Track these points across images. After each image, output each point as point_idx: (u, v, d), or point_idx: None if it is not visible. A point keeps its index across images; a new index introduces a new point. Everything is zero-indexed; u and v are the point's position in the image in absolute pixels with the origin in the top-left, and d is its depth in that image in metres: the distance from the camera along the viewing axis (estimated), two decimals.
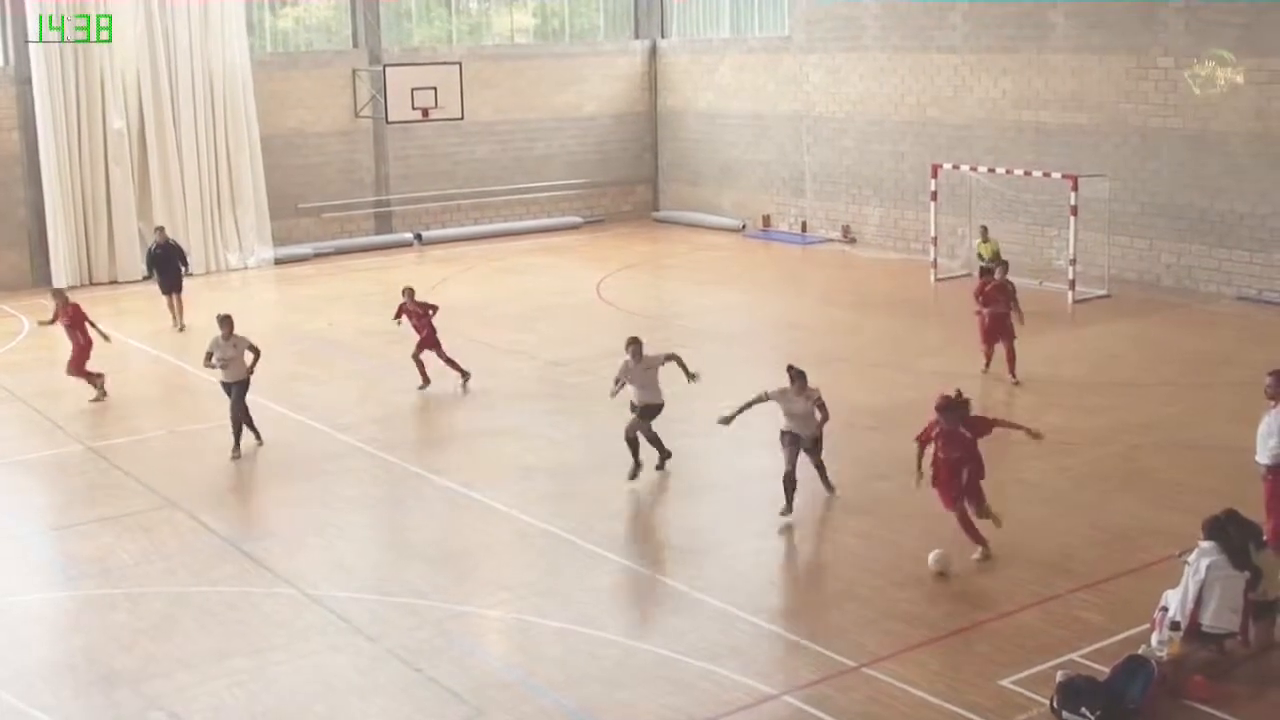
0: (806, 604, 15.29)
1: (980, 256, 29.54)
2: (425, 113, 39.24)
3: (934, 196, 33.46)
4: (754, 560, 16.39)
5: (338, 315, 31.21)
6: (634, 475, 19.02)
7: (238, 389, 21.27)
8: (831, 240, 38.45)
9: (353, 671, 13.68)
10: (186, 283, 31.24)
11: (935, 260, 33.31)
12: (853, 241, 38.01)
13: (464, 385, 24.50)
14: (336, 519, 18.32)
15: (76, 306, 24.91)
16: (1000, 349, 23.74)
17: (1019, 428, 16.22)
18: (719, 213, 42.17)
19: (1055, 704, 12.27)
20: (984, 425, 15.84)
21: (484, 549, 17.41)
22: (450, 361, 24.57)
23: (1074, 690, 12.25)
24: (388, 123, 39.41)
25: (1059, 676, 12.57)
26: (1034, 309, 25.79)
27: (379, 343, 28.10)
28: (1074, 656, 13.44)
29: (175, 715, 13.06)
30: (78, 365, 24.60)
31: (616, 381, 19.38)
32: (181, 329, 29.86)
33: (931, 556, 15.58)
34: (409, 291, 24.97)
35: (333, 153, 39.90)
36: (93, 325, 24.87)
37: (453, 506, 18.76)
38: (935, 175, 33.43)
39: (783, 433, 17.49)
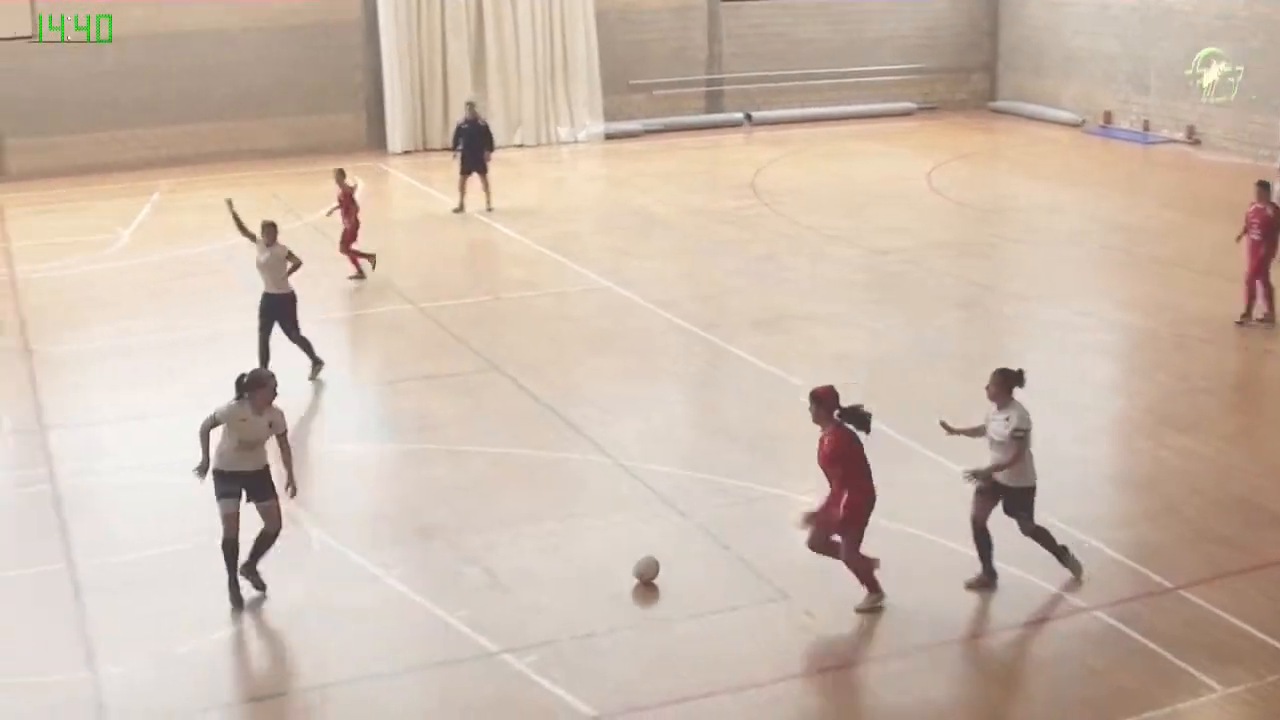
0: (1123, 518, 14.78)
1: None
2: None
3: None
4: (1074, 469, 15.84)
5: (666, 192, 31.33)
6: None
7: (279, 302, 18.99)
8: (1175, 141, 36.91)
9: (661, 543, 13.82)
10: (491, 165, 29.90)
11: None
12: (1196, 143, 36.41)
13: (362, 277, 23.84)
14: (653, 393, 18.51)
15: (349, 190, 24.05)
16: None
17: None
18: (1058, 106, 40.79)
19: None
20: None
21: (796, 433, 17.31)
22: (355, 255, 23.96)
23: None
24: (722, 0, 39.16)
25: None
26: None
27: (705, 220, 28.18)
28: None
29: (488, 570, 13.44)
30: (346, 244, 24.00)
31: None
32: (490, 209, 29.19)
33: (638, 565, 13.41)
34: (340, 174, 24.35)
35: (666, 29, 39.83)
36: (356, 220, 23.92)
37: (767, 389, 18.74)
38: None
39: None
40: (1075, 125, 39.47)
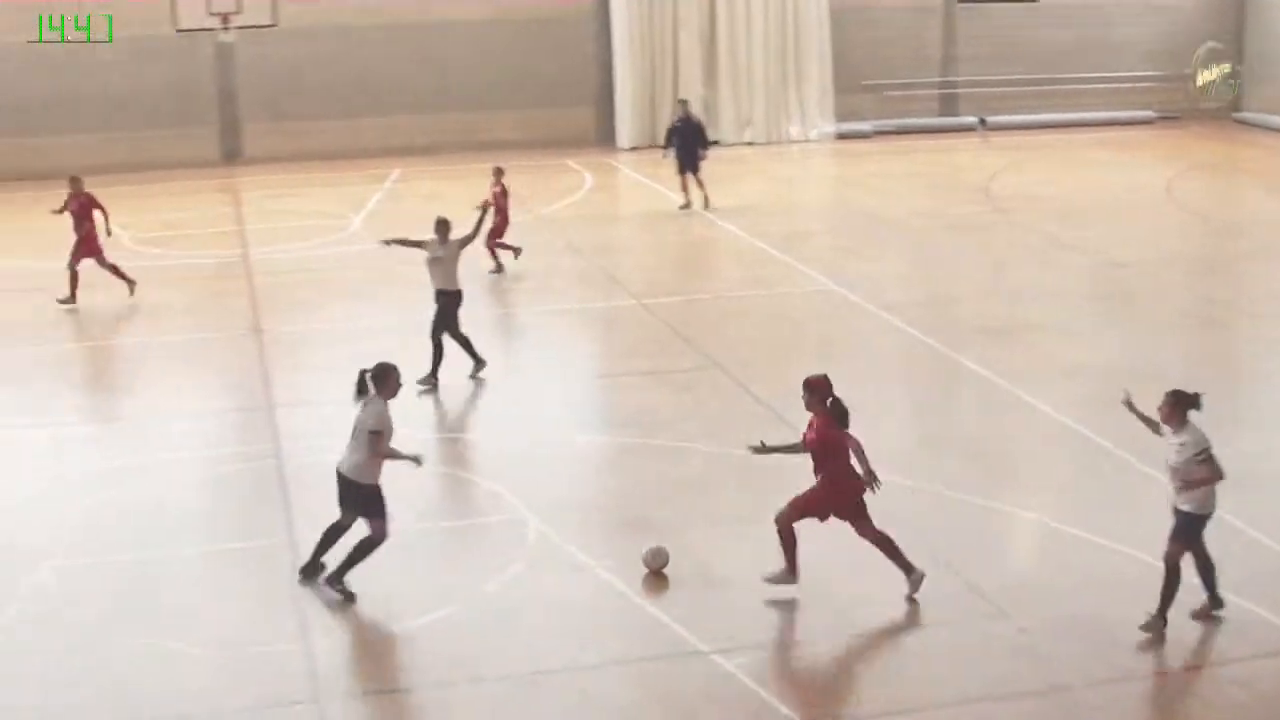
0: None
1: None
2: None
3: None
4: None
5: (895, 194, 30.92)
6: None
7: (447, 299, 18.88)
8: None
9: (874, 550, 13.62)
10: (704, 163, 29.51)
11: None
12: None
13: (130, 291, 22.91)
14: (875, 399, 18.22)
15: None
16: None
17: None
18: None
19: None
20: None
21: (1018, 446, 17.01)
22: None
23: None
24: (959, 1, 38.55)
25: None
26: None
27: (934, 225, 27.78)
28: None
29: (703, 568, 13.38)
30: (492, 239, 23.70)
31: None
32: (707, 205, 29.04)
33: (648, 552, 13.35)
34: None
35: (902, 29, 39.34)
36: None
37: (993, 400, 18.35)
38: None
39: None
40: None
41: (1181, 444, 11.96)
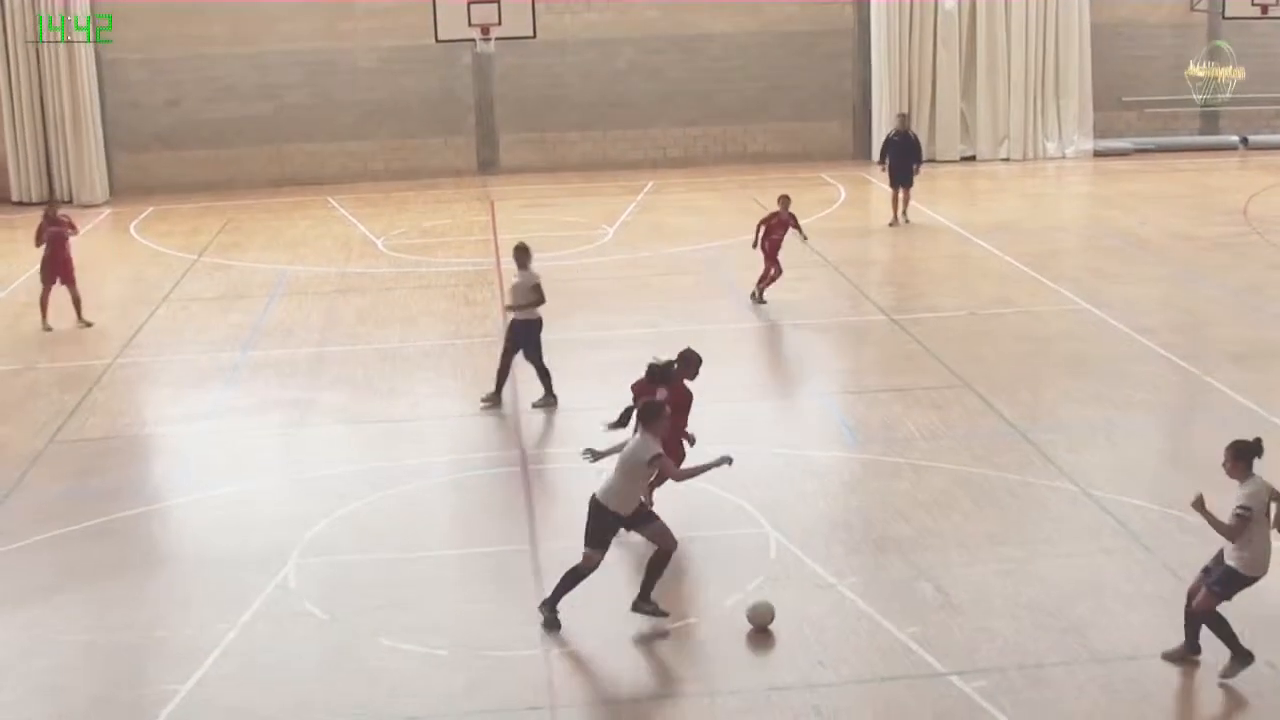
0: None
1: None
2: (1264, 9, 36.91)
3: None
4: None
5: (1152, 214, 30.28)
6: None
7: (525, 327, 18.51)
8: None
9: (1122, 578, 13.40)
10: (917, 179, 29.69)
11: None
12: None
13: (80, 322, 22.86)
14: (1126, 421, 17.92)
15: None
16: None
17: None
18: None
19: None
20: None
21: (1276, 474, 16.50)
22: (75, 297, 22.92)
23: None
24: (1224, 17, 37.51)
25: None
26: None
27: (1192, 246, 27.12)
28: None
29: (942, 589, 13.29)
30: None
31: None
32: (906, 221, 29.09)
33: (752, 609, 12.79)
34: (51, 205, 23.49)
35: (1164, 46, 38.46)
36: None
37: (1244, 425, 17.78)
38: None
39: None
40: None
41: (1239, 497, 11.48)
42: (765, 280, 23.12)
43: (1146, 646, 12.23)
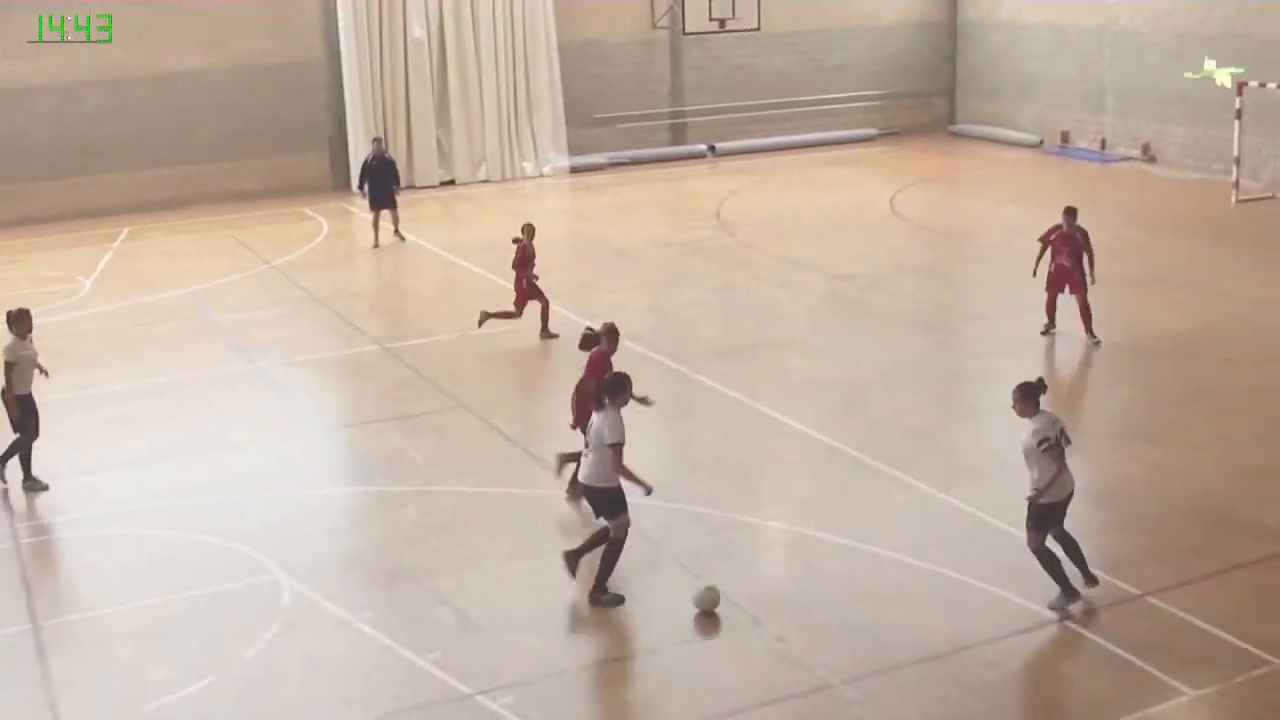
0: (1091, 530, 14.67)
1: None
2: (722, 23, 39.07)
3: (1239, 115, 31.88)
4: None
5: (631, 225, 31.29)
6: None
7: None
8: (1131, 159, 37.04)
9: (635, 574, 13.78)
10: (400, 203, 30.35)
11: (1237, 181, 31.80)
12: (1152, 160, 36.57)
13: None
14: (630, 421, 18.40)
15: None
16: None
17: None
18: (1017, 128, 40.97)
19: None
20: None
21: (767, 461, 17.38)
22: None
23: None
24: (684, 34, 39.29)
25: None
26: None
27: (670, 252, 28.19)
28: None
29: (461, 611, 13.35)
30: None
31: None
32: (401, 238, 29.92)
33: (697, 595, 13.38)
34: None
35: (629, 64, 39.88)
36: None
37: (737, 418, 18.72)
38: (1240, 94, 31.83)
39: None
40: (1034, 146, 39.69)
41: (1034, 432, 12.56)
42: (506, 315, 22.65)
43: (668, 635, 12.77)
